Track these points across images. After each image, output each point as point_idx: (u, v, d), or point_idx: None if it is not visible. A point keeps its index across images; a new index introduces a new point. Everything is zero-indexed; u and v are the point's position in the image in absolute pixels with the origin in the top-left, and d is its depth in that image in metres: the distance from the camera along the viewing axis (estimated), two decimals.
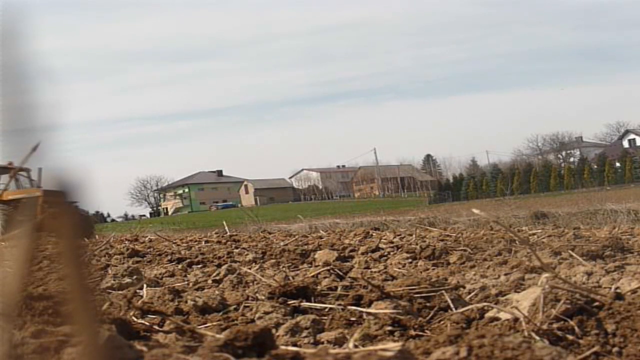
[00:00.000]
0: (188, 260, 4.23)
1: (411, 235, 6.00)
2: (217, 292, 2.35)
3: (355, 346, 1.45)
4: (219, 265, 3.78)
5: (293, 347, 1.44)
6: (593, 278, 2.56)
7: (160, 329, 1.63)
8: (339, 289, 2.26)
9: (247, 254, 4.53)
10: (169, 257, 4.44)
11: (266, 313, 1.88)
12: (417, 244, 4.34)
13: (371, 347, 1.15)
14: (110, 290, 2.63)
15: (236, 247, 5.41)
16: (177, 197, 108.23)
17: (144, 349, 1.14)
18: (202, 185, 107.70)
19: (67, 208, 0.60)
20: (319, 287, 2.25)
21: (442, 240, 5.12)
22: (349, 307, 1.85)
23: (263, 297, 2.20)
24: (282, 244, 5.60)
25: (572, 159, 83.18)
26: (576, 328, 1.41)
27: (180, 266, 3.96)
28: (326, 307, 1.96)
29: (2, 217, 17.59)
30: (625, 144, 79.12)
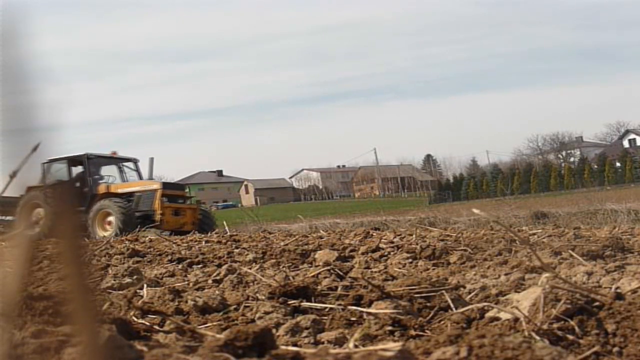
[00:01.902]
0: (188, 260, 4.23)
1: (411, 235, 5.99)
2: (217, 292, 2.35)
3: (356, 346, 1.45)
4: (219, 265, 3.78)
5: (293, 347, 1.44)
6: (593, 278, 2.56)
7: (161, 329, 1.63)
8: (339, 289, 2.26)
9: (247, 254, 4.53)
10: (169, 257, 4.44)
11: (266, 313, 1.88)
12: (417, 244, 4.34)
13: (371, 347, 1.14)
14: (110, 290, 2.63)
15: (236, 247, 5.41)
16: None
17: (145, 349, 1.14)
18: (202, 185, 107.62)
19: (68, 207, 0.60)
20: (319, 287, 2.25)
21: (442, 240, 5.11)
22: (349, 307, 1.85)
23: (263, 297, 2.20)
24: (282, 244, 5.59)
25: (572, 159, 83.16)
26: (576, 328, 1.41)
27: (180, 266, 3.96)
28: (326, 307, 1.96)
29: (119, 210, 15.15)
30: (626, 143, 79.14)
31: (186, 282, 3.12)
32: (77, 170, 17.13)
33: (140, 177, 17.67)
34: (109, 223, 15.40)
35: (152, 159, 17.74)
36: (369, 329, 1.64)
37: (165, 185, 16.68)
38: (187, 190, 18.29)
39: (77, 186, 16.75)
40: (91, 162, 16.89)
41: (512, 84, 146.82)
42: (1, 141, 0.60)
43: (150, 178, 17.44)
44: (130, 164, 17.98)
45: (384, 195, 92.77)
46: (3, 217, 22.73)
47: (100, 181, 17.04)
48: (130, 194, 16.35)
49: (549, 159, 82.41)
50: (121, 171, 17.80)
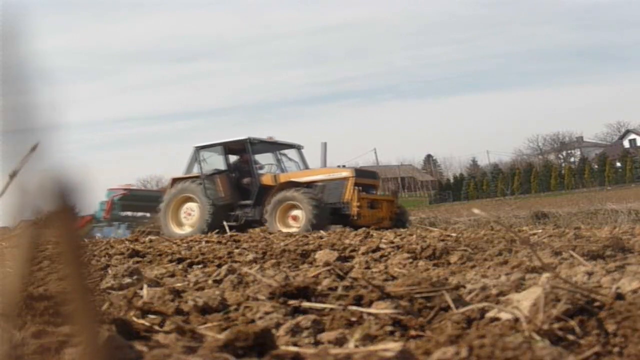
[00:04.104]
0: (188, 261, 4.23)
1: (412, 235, 6.00)
2: (217, 292, 2.35)
3: (356, 346, 1.45)
4: (220, 266, 3.78)
5: (293, 347, 1.44)
6: (594, 278, 2.56)
7: (161, 329, 1.63)
8: (340, 289, 2.26)
9: (247, 254, 4.53)
10: (170, 257, 4.44)
11: (267, 313, 1.88)
12: (417, 244, 4.34)
13: (372, 347, 1.14)
14: (110, 291, 2.63)
15: (236, 247, 5.42)
16: None
17: (145, 349, 1.14)
18: None
19: (68, 206, 0.60)
20: (319, 287, 2.25)
21: (442, 240, 5.12)
22: (350, 307, 1.85)
23: (263, 297, 2.20)
24: (282, 244, 5.59)
25: (572, 159, 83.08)
26: (577, 328, 1.41)
27: (180, 266, 3.96)
28: (327, 307, 1.96)
29: (309, 202, 12.66)
30: (626, 143, 79.13)
31: (186, 283, 3.12)
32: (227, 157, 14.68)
33: (306, 166, 14.92)
34: (294, 218, 13.03)
35: (325, 144, 14.93)
36: (369, 329, 1.64)
37: (358, 173, 13.80)
38: (379, 178, 15.37)
39: (234, 176, 14.40)
40: (253, 149, 14.29)
41: (512, 84, 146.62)
42: (1, 141, 0.60)
43: (324, 166, 14.60)
44: (292, 151, 15.32)
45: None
46: (138, 214, 19.37)
47: (260, 170, 14.53)
48: (309, 183, 13.58)
49: (549, 159, 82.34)
50: (278, 159, 15.15)
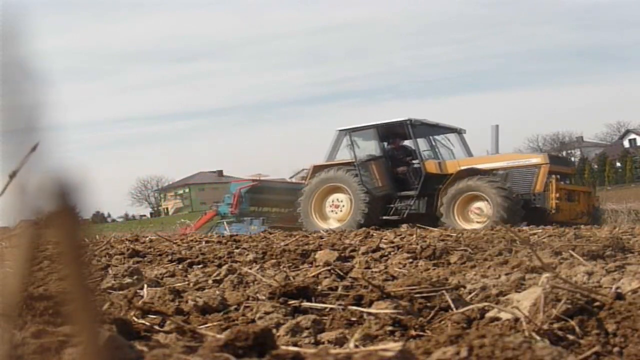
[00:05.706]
0: (189, 261, 4.23)
1: (412, 235, 6.00)
2: (217, 292, 2.35)
3: (356, 346, 1.45)
4: (220, 266, 3.78)
5: (294, 347, 1.44)
6: (594, 278, 2.56)
7: (161, 329, 1.63)
8: (340, 289, 2.26)
9: (247, 254, 4.53)
10: (170, 257, 4.44)
11: (267, 313, 1.88)
12: (417, 244, 4.34)
13: (372, 347, 1.15)
14: (110, 291, 2.63)
15: (237, 247, 5.42)
16: (178, 197, 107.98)
17: (145, 349, 1.14)
18: (202, 185, 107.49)
19: (68, 206, 0.60)
20: (319, 287, 2.25)
21: (442, 240, 5.12)
22: (350, 307, 1.85)
23: (264, 297, 2.20)
24: (282, 244, 5.60)
25: (572, 159, 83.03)
26: (577, 328, 1.41)
27: (180, 266, 3.96)
28: (327, 307, 1.96)
29: (498, 193, 10.83)
30: (626, 143, 79.11)
31: (186, 282, 3.12)
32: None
33: (469, 153, 13.12)
34: (477, 211, 11.29)
35: (496, 127, 12.83)
36: (369, 329, 1.64)
37: (552, 159, 11.83)
38: (574, 166, 13.01)
39: (388, 164, 12.57)
40: (413, 132, 12.37)
41: (512, 84, 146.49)
42: (1, 141, 0.60)
43: (496, 152, 12.66)
44: (452, 136, 13.40)
45: None
46: (268, 209, 16.75)
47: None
48: (489, 171, 11.68)
49: None
50: (432, 145, 13.23)
